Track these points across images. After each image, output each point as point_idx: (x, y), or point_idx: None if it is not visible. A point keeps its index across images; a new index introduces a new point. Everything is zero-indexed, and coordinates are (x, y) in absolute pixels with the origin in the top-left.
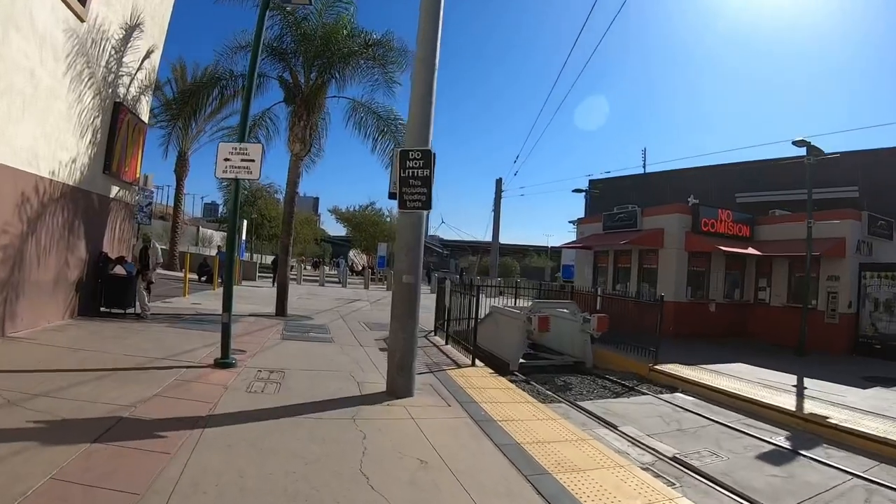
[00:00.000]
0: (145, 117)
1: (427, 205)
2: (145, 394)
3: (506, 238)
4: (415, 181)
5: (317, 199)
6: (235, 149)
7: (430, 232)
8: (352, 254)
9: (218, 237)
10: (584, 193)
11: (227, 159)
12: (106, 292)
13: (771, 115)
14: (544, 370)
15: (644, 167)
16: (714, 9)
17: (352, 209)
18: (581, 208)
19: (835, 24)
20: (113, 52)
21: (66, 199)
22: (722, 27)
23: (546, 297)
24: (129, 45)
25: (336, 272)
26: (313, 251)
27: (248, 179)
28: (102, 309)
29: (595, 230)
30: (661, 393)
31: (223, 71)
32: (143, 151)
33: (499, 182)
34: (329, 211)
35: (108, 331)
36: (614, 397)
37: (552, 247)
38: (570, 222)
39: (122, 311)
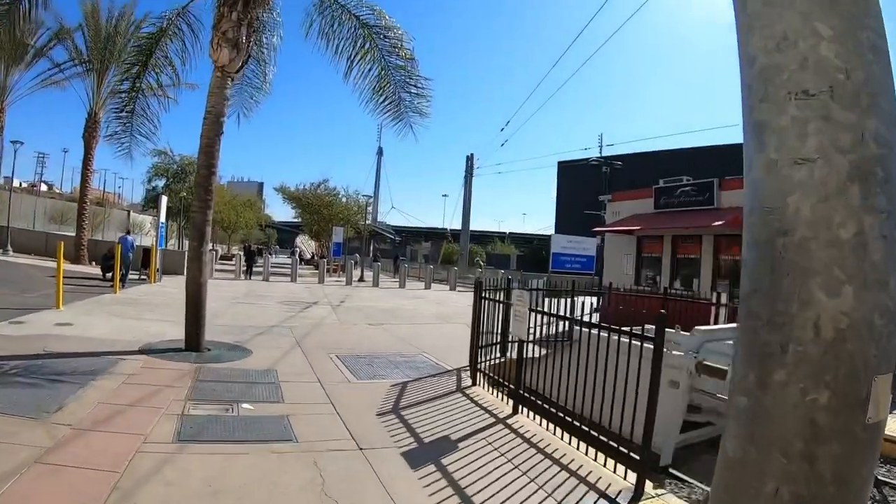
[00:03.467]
0: None
1: None
2: None
3: (459, 224)
4: None
5: (261, 183)
6: None
7: (380, 217)
8: (299, 240)
9: (150, 222)
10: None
11: None
12: None
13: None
14: (706, 448)
15: (601, 150)
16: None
17: (302, 188)
18: (543, 193)
19: None
20: None
21: None
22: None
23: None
24: None
25: (291, 261)
26: (257, 237)
27: None
28: None
29: (640, 209)
30: None
31: None
32: None
33: (470, 158)
34: (275, 189)
35: None
36: None
37: (511, 233)
38: (600, 198)
39: None
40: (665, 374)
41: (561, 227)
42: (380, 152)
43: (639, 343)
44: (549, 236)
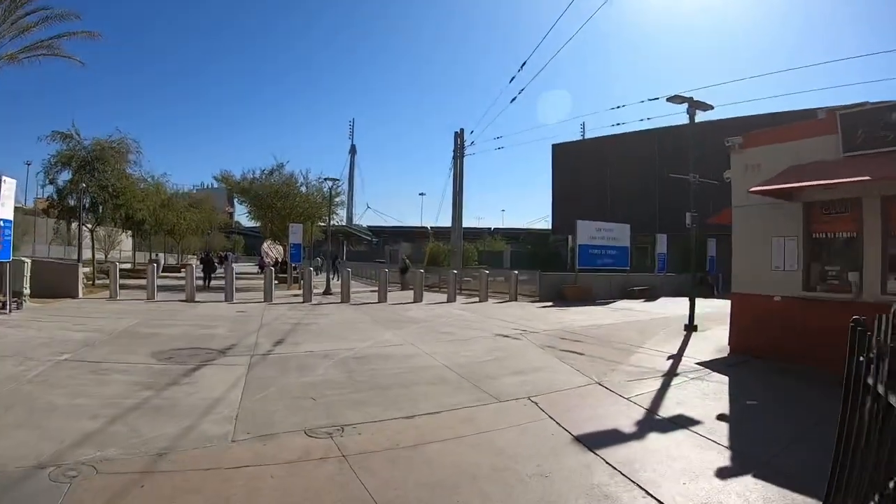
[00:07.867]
0: None
1: None
2: None
3: (443, 221)
4: None
5: (230, 189)
6: None
7: (356, 221)
8: (265, 245)
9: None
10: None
11: None
12: None
13: None
14: None
15: (583, 135)
16: None
17: (251, 175)
18: (520, 187)
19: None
20: None
21: None
22: None
23: None
24: None
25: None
26: (221, 244)
27: None
28: None
29: (808, 155)
30: None
31: None
32: None
33: (459, 135)
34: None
35: None
36: None
37: (497, 228)
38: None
39: None
40: None
41: (560, 218)
42: (353, 150)
43: None
44: (538, 230)
